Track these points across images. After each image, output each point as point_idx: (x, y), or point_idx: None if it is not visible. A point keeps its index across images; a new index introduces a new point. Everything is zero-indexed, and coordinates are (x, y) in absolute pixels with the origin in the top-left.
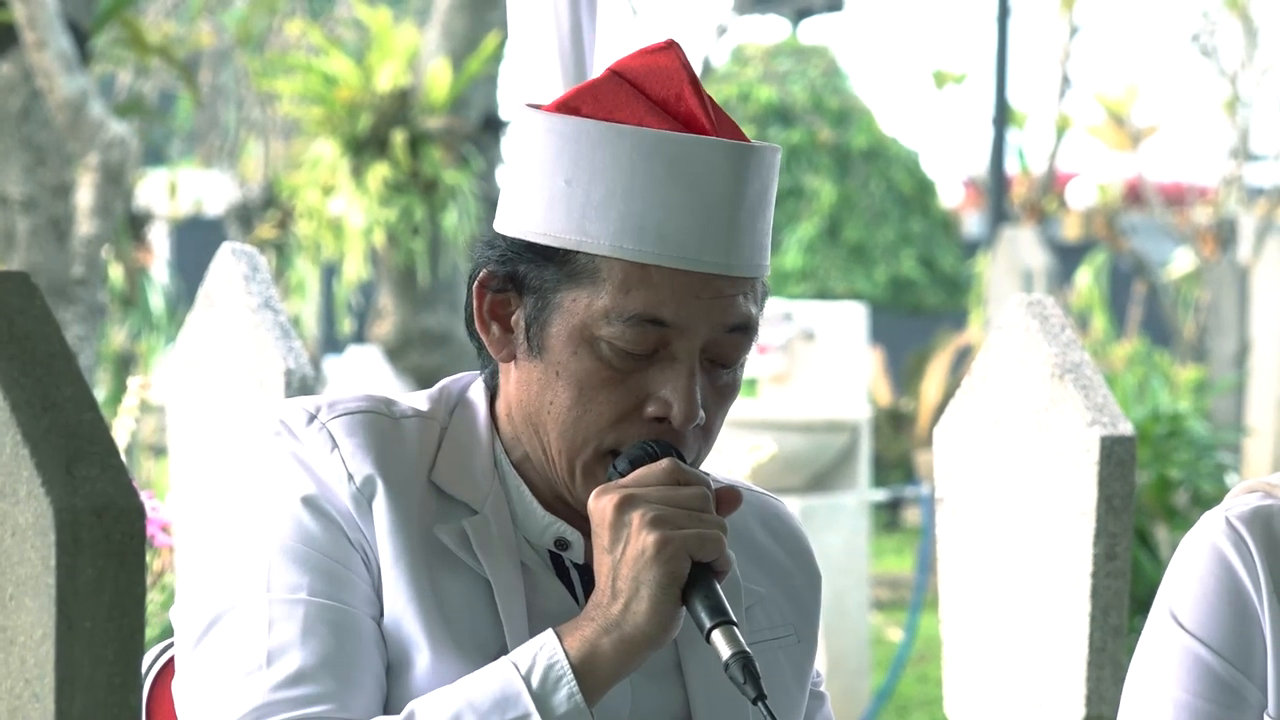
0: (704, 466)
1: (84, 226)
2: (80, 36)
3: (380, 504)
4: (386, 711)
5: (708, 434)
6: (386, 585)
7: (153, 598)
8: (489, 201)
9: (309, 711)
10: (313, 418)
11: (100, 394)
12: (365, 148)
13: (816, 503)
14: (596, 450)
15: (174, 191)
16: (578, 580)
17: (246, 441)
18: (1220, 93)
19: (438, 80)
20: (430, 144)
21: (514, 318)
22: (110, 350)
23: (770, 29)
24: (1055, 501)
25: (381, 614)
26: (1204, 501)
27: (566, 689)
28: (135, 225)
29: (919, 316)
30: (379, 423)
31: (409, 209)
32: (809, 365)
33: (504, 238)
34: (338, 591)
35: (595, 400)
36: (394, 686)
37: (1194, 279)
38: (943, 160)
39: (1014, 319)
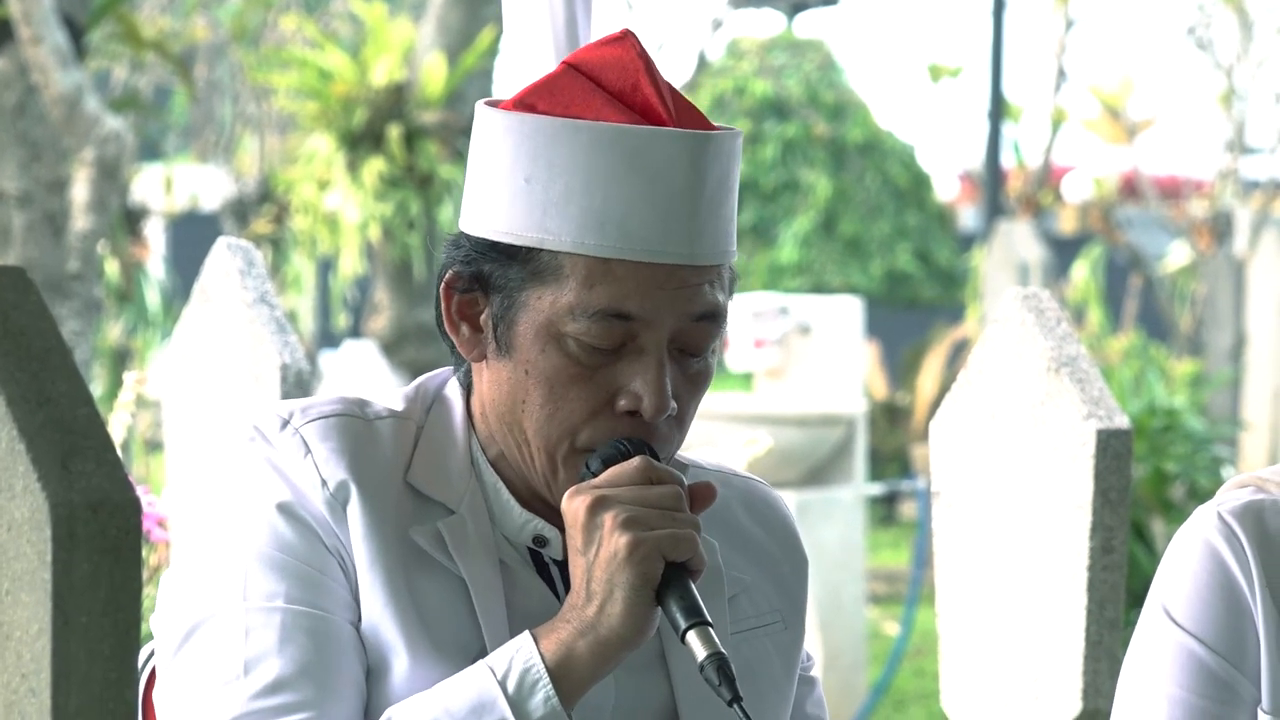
0: (697, 457)
1: (80, 222)
2: (75, 31)
3: (355, 508)
4: (367, 717)
5: (681, 423)
6: (363, 590)
7: (149, 592)
8: None
9: None
10: (286, 423)
11: (96, 389)
12: (361, 142)
13: (812, 497)
14: (573, 446)
15: (169, 186)
16: (558, 576)
17: (223, 448)
18: (1216, 86)
19: (433, 75)
20: (425, 138)
21: (482, 317)
22: (106, 345)
23: (765, 23)
24: (1051, 495)
25: (359, 619)
26: (1200, 495)
27: (543, 693)
28: (131, 220)
29: (915, 310)
30: (353, 426)
31: (404, 203)
32: (805, 359)
33: (469, 237)
34: (315, 598)
35: (566, 397)
36: (374, 691)
37: (1190, 272)
38: (938, 154)
39: (1009, 312)
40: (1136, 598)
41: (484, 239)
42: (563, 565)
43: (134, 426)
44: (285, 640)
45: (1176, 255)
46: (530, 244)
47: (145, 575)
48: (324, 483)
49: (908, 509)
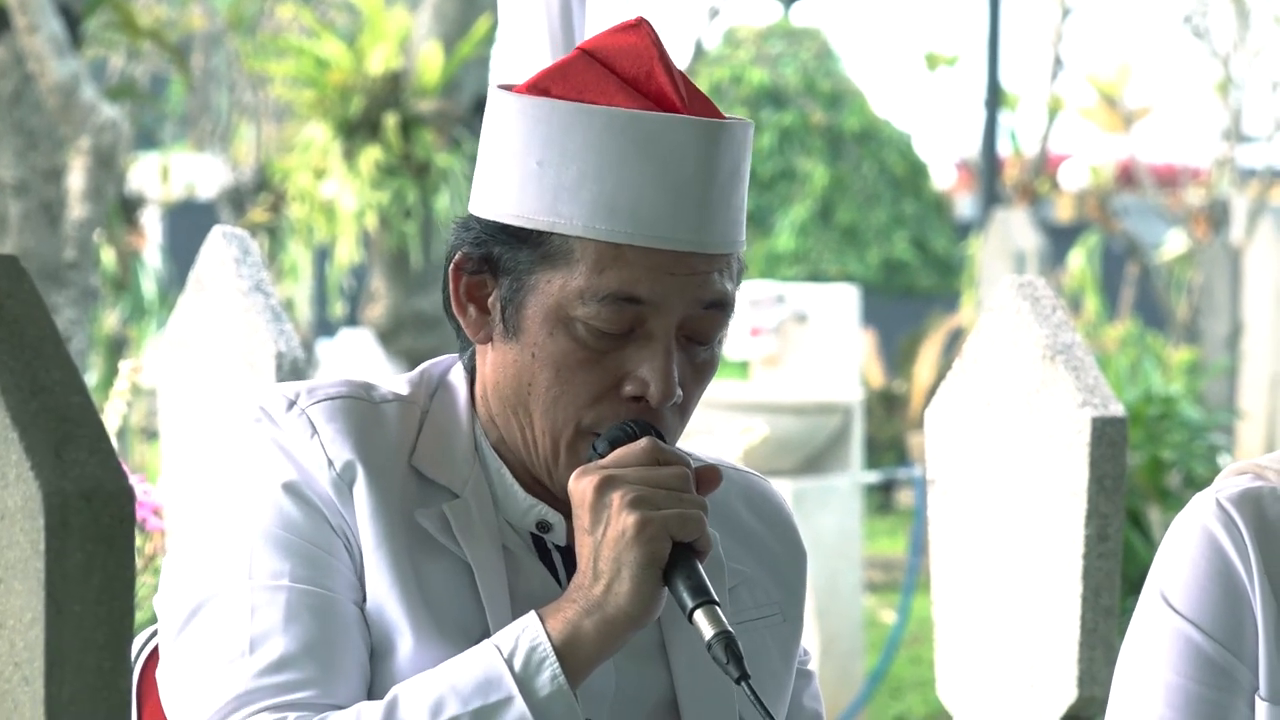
0: (693, 448)
1: (76, 210)
2: (72, 20)
3: (361, 489)
4: (370, 697)
5: (684, 412)
6: (368, 571)
7: (145, 581)
8: None
9: (292, 698)
10: (292, 404)
11: (92, 378)
12: (357, 131)
13: (809, 485)
14: (577, 429)
15: (166, 175)
16: (560, 562)
17: (228, 429)
18: (1213, 74)
19: (429, 63)
20: (422, 127)
21: (490, 299)
22: (102, 334)
23: (762, 11)
24: (1047, 483)
25: (364, 600)
26: (1196, 483)
27: (549, 671)
28: (127, 209)
29: (911, 298)
30: (359, 408)
31: (401, 192)
32: (801, 347)
33: (478, 220)
34: (320, 577)
35: (572, 381)
36: (377, 672)
37: (1186, 261)
38: (935, 142)
39: (1005, 301)
40: (1132, 585)
41: (494, 221)
42: (565, 551)
43: (130, 415)
44: (290, 619)
45: (1173, 243)
46: (541, 227)
47: (140, 564)
48: (330, 463)
49: (905, 497)
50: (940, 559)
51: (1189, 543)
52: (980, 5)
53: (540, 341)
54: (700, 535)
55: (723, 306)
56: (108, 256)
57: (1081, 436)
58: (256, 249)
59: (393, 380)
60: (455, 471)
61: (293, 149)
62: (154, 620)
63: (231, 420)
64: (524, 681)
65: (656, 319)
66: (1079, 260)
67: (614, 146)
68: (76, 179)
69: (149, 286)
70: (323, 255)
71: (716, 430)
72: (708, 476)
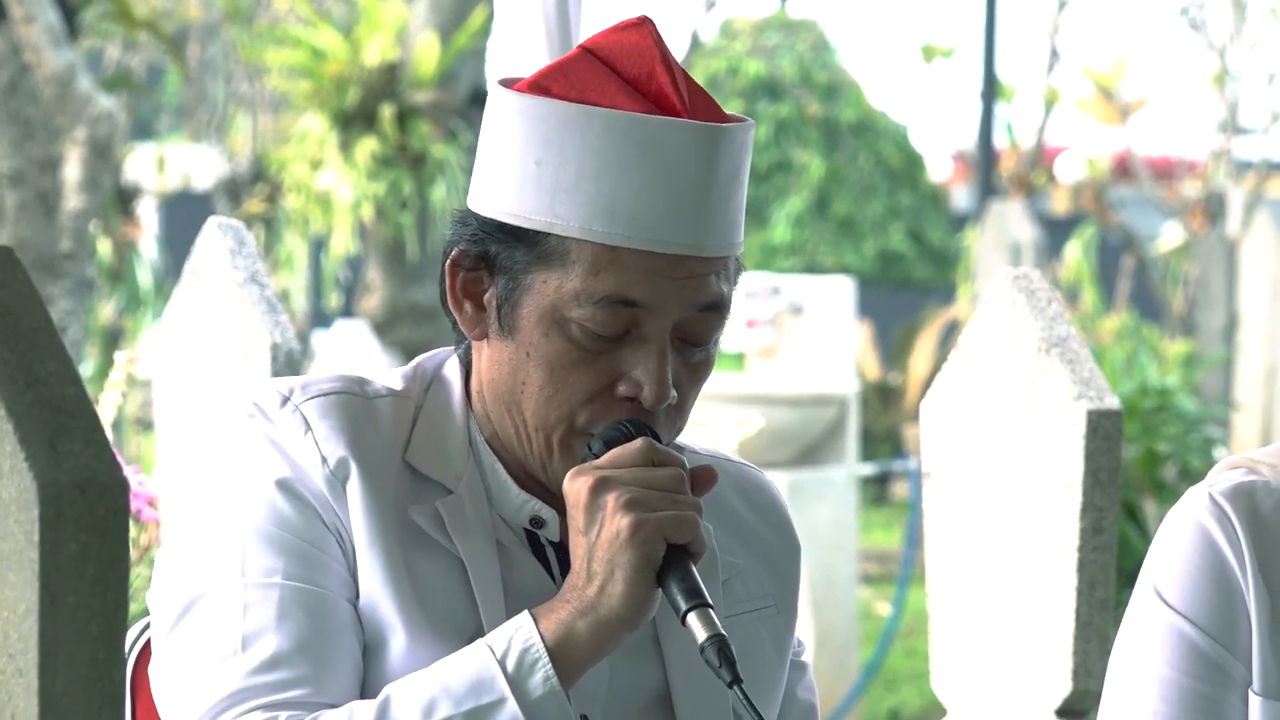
0: (689, 440)
1: (72, 201)
2: (68, 10)
3: (354, 486)
4: (363, 694)
5: (680, 412)
6: (361, 568)
7: (140, 572)
8: None
9: (285, 696)
10: (286, 400)
11: (88, 368)
12: (353, 122)
13: (804, 477)
14: (570, 427)
15: (162, 166)
16: (554, 558)
17: (221, 424)
18: (1209, 66)
19: (425, 54)
20: (418, 118)
21: (486, 296)
22: (98, 325)
23: (758, 2)
24: (1042, 475)
25: (357, 597)
26: (1192, 476)
27: (542, 672)
28: (123, 200)
29: (907, 290)
30: (352, 404)
31: (397, 183)
32: (797, 339)
33: (476, 216)
34: (313, 575)
35: (566, 381)
36: (370, 668)
37: (1183, 253)
38: (931, 134)
39: (1000, 293)
40: (1128, 578)
41: (491, 219)
42: (558, 547)
43: (125, 406)
44: (283, 616)
45: (1169, 236)
46: (538, 227)
47: (134, 555)
48: (324, 460)
49: (900, 489)
50: (935, 551)
51: (1182, 537)
52: None
53: (535, 341)
54: (694, 537)
55: (719, 309)
56: (103, 247)
57: (1077, 429)
58: (252, 240)
59: (387, 374)
60: (449, 467)
61: (289, 140)
62: (148, 612)
63: (225, 416)
64: (517, 683)
65: (651, 322)
66: (1075, 252)
67: (613, 149)
68: (72, 169)
69: (144, 277)
70: (318, 246)
71: (711, 422)
72: (703, 477)
